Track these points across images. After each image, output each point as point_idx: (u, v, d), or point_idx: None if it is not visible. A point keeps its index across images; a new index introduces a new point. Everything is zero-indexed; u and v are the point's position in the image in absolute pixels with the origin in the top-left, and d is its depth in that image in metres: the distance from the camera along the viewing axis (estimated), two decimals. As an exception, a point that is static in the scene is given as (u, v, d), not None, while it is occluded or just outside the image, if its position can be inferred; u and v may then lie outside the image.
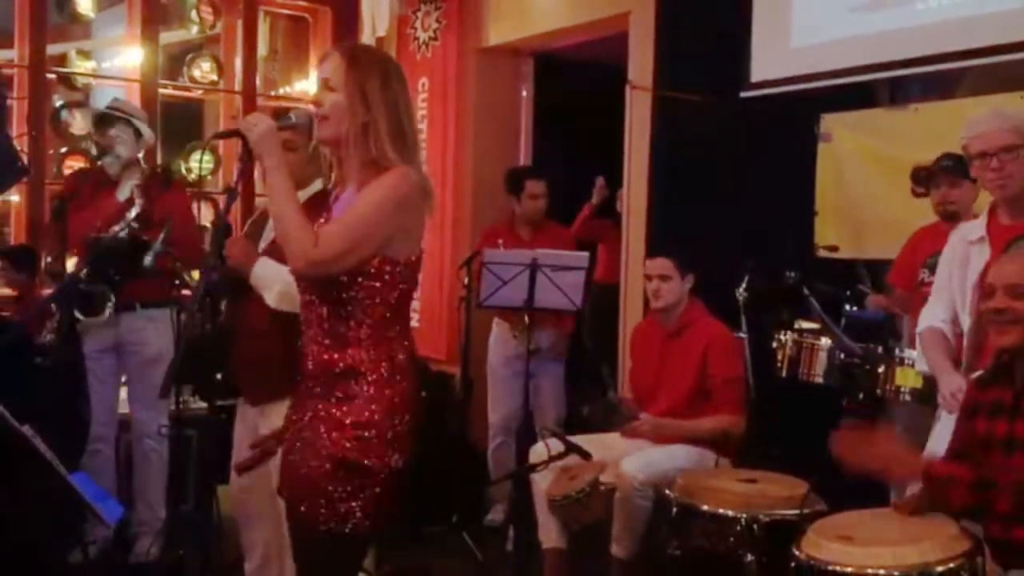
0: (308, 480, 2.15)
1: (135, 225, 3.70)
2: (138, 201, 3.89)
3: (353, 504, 2.12)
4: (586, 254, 4.52)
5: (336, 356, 2.17)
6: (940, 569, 2.15)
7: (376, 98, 2.17)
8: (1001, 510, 2.23)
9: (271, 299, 2.92)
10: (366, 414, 2.13)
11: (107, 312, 3.92)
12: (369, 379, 2.15)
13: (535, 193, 5.03)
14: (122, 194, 4.16)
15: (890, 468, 2.28)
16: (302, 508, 2.16)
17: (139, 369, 4.14)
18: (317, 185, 3.10)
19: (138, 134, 4.23)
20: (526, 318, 4.38)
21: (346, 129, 2.18)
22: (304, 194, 3.08)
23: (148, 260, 3.60)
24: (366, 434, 2.13)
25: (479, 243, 5.04)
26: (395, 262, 2.17)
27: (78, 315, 3.90)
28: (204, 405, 4.64)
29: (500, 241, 4.91)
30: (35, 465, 2.31)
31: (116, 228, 3.90)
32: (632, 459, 3.56)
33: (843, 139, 4.71)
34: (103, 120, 4.22)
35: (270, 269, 2.91)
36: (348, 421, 2.13)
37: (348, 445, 2.12)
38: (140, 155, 4.31)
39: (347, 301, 2.16)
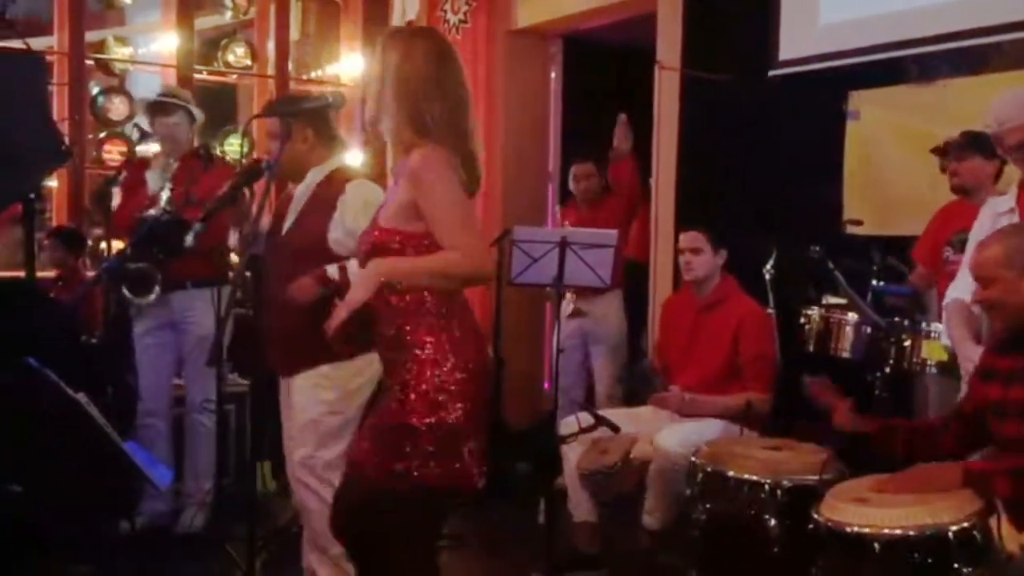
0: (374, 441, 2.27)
1: (169, 209, 3.79)
2: (168, 185, 3.97)
3: (416, 463, 2.20)
4: (614, 232, 4.57)
5: (397, 324, 2.26)
6: (954, 529, 2.20)
7: (411, 87, 2.27)
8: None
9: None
10: (427, 375, 2.22)
11: (154, 292, 4.02)
12: (429, 343, 2.24)
13: (577, 175, 5.29)
14: (152, 180, 4.25)
15: (930, 486, 2.34)
16: (370, 469, 2.25)
17: (192, 346, 4.25)
18: (330, 166, 3.19)
19: (192, 120, 4.33)
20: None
21: (376, 111, 2.30)
22: (320, 172, 3.18)
23: (189, 239, 3.68)
24: (429, 396, 2.22)
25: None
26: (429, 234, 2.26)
27: (127, 295, 4.01)
28: (243, 382, 4.82)
29: (566, 222, 5.18)
30: (90, 431, 2.43)
31: (154, 212, 4.00)
32: (668, 433, 3.61)
33: (871, 116, 4.72)
34: (162, 108, 4.29)
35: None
36: (411, 383, 2.23)
37: (409, 408, 2.21)
38: (193, 139, 4.41)
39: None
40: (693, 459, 3.12)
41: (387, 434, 2.25)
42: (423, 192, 2.23)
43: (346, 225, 3.09)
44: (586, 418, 3.64)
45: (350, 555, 2.52)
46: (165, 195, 4.02)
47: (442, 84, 2.31)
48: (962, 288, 3.15)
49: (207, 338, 4.21)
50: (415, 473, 2.20)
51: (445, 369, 2.22)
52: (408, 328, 2.25)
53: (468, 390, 2.25)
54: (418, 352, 2.23)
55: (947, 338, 3.21)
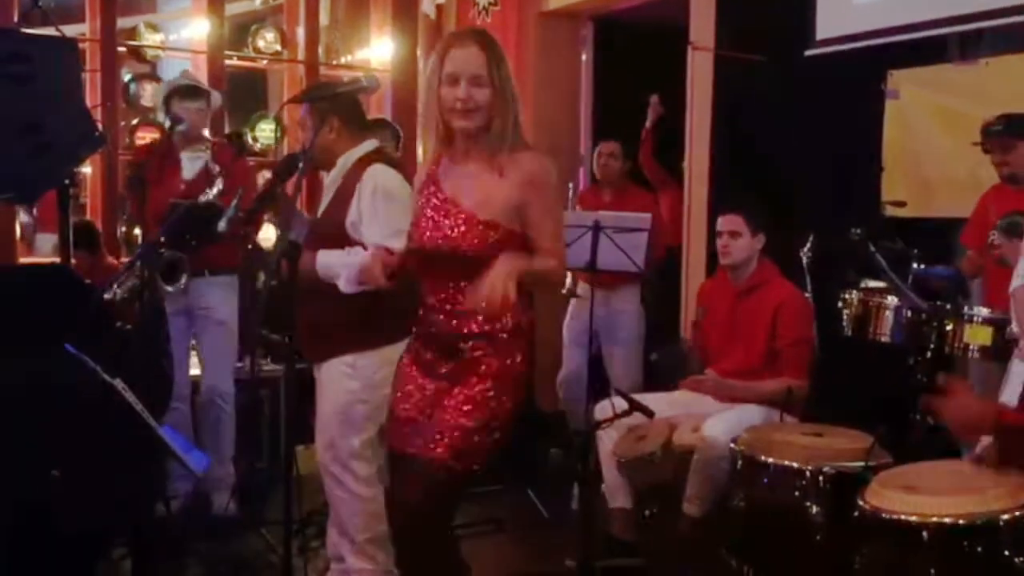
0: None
1: (236, 201, 3.79)
2: (219, 174, 3.95)
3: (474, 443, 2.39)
4: (648, 215, 4.53)
5: (468, 317, 2.40)
6: (1006, 518, 2.15)
7: (514, 89, 2.41)
8: None
9: (343, 287, 3.02)
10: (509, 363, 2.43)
11: (183, 279, 4.04)
12: (496, 336, 2.41)
13: (603, 152, 5.23)
14: (187, 169, 4.25)
15: (962, 418, 2.28)
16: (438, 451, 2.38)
17: (208, 332, 4.29)
18: (358, 152, 3.18)
19: (209, 106, 4.34)
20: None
21: (490, 119, 2.39)
22: (349, 159, 3.16)
23: (223, 225, 3.68)
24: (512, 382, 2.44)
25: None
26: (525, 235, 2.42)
27: (162, 284, 4.03)
28: (276, 367, 4.84)
29: (577, 206, 5.15)
30: (127, 416, 2.43)
31: (202, 201, 3.98)
32: (714, 423, 3.55)
33: (911, 96, 4.64)
34: (190, 92, 4.30)
35: (331, 259, 3.03)
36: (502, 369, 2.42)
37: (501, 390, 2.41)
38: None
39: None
40: (732, 446, 3.08)
41: (473, 419, 2.39)
42: (539, 196, 2.39)
43: (359, 210, 3.08)
44: (620, 403, 3.60)
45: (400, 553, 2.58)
46: (217, 188, 3.97)
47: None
48: None
49: (224, 324, 4.29)
50: (478, 460, 2.41)
51: (518, 360, 2.44)
52: (505, 320, 2.41)
53: (525, 381, 2.47)
54: (501, 347, 2.42)
55: (1015, 325, 3.12)
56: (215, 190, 3.84)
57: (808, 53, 4.67)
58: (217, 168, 3.95)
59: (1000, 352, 3.09)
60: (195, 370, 4.50)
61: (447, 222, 2.42)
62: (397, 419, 2.52)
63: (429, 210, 2.47)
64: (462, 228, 2.39)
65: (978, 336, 3.47)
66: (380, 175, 3.13)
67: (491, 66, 2.38)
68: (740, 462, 3.00)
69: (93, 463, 2.88)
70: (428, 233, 2.45)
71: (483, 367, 2.41)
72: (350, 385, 3.12)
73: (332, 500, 3.24)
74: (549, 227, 2.40)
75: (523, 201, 2.38)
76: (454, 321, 2.43)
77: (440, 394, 2.45)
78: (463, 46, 2.40)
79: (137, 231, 5.48)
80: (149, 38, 6.23)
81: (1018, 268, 3.12)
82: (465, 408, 2.39)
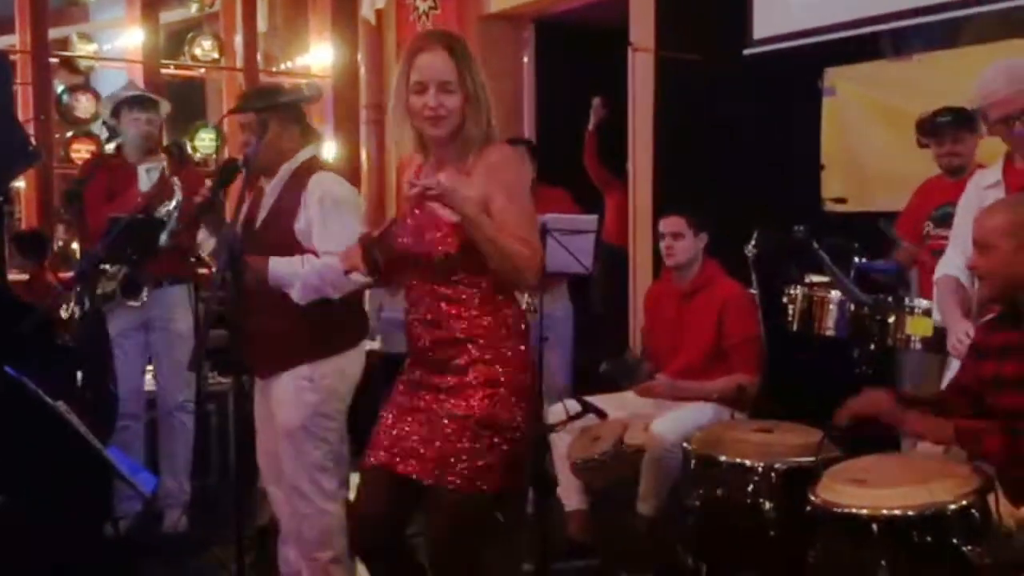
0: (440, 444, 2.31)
1: (175, 213, 3.70)
2: (177, 188, 3.86)
3: (482, 461, 2.28)
4: (595, 217, 4.55)
5: (452, 326, 2.33)
6: (953, 507, 2.20)
7: (486, 92, 2.34)
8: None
9: (296, 296, 2.98)
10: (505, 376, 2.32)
11: (144, 293, 3.96)
12: (485, 343, 2.32)
13: None
14: (143, 181, 4.16)
15: (923, 434, 2.34)
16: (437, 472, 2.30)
17: (166, 345, 4.19)
18: (298, 160, 3.13)
19: (159, 115, 4.26)
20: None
21: (462, 123, 2.33)
22: (290, 166, 3.12)
23: (164, 238, 3.63)
24: (512, 397, 2.32)
25: None
26: None
27: (119, 296, 3.95)
28: (223, 381, 4.77)
29: None
30: (70, 440, 2.37)
31: (159, 214, 3.88)
32: (662, 421, 3.59)
33: (847, 93, 4.72)
34: (139, 103, 4.20)
35: (282, 267, 2.98)
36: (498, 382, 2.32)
37: (498, 403, 2.29)
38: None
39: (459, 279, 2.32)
40: (685, 445, 3.10)
41: (464, 432, 2.29)
42: (504, 187, 2.30)
43: (307, 218, 3.04)
44: (573, 405, 3.60)
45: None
46: (176, 199, 3.86)
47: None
48: (951, 263, 3.15)
49: (183, 335, 4.18)
50: (492, 475, 2.29)
51: (518, 370, 2.34)
52: (486, 327, 2.32)
53: (530, 391, 2.38)
54: (496, 351, 2.32)
55: (937, 313, 3.20)
56: (174, 202, 3.75)
57: (746, 52, 4.72)
58: (175, 179, 3.86)
59: (941, 343, 3.15)
60: (150, 386, 4.42)
61: (425, 230, 2.35)
62: (392, 438, 2.41)
63: (410, 219, 2.42)
64: (437, 234, 2.32)
65: (919, 327, 3.54)
66: (327, 182, 3.09)
67: (460, 70, 2.32)
68: (694, 461, 3.02)
69: (37, 488, 2.81)
70: (406, 240, 2.40)
71: (472, 377, 2.31)
72: (309, 398, 3.06)
73: (293, 518, 3.15)
74: (513, 216, 2.28)
75: (487, 194, 2.29)
76: (437, 331, 2.35)
77: (431, 411, 2.36)
78: (430, 50, 2.33)
79: (75, 246, 5.39)
80: (82, 48, 6.13)
81: (943, 258, 3.21)
82: (456, 424, 2.30)
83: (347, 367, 3.14)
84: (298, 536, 3.15)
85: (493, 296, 2.33)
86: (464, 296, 2.32)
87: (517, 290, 2.50)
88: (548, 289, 4.83)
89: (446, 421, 2.31)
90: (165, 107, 4.29)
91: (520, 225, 2.29)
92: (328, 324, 3.04)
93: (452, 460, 2.28)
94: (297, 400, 3.06)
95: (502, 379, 2.31)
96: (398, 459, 2.37)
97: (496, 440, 2.29)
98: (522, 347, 2.37)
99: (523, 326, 2.40)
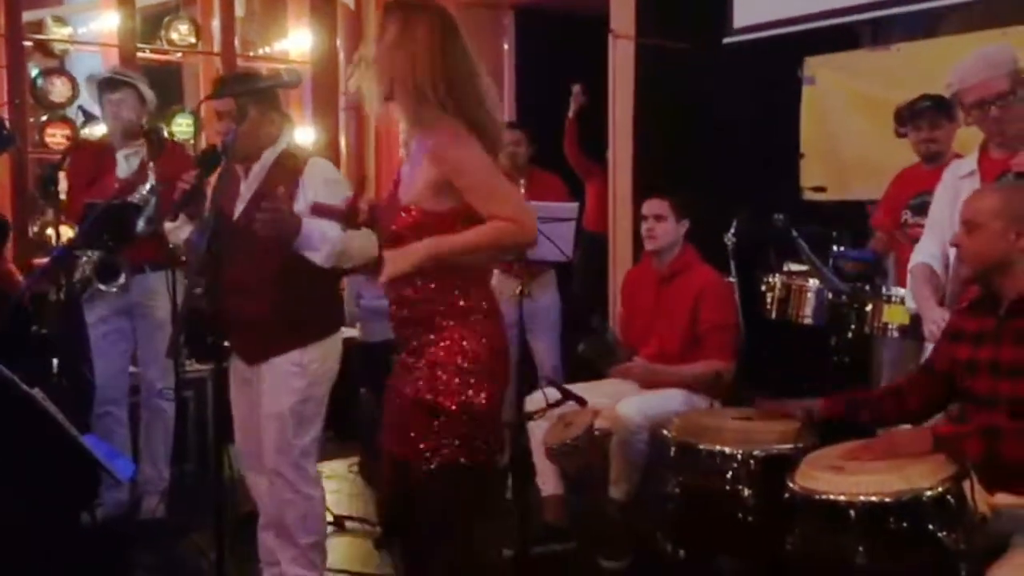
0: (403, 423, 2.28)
1: (150, 197, 3.65)
2: (151, 172, 3.81)
3: (445, 441, 2.23)
4: (575, 205, 4.55)
5: (427, 305, 2.26)
6: (929, 494, 2.22)
7: (418, 54, 2.23)
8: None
9: (320, 259, 2.94)
10: (458, 356, 2.25)
11: (121, 278, 3.92)
12: (450, 322, 2.25)
13: (508, 141, 5.08)
14: (121, 168, 4.11)
15: (901, 452, 2.36)
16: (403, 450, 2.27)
17: (149, 331, 4.15)
18: (280, 146, 3.12)
19: (141, 99, 4.19)
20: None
21: (387, 88, 2.25)
22: (273, 151, 3.10)
23: (141, 225, 3.59)
24: (460, 376, 2.24)
25: None
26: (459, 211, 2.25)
27: (96, 282, 3.91)
28: (201, 367, 4.74)
29: None
30: (46, 427, 2.35)
31: (133, 199, 3.84)
32: (628, 403, 3.63)
33: (827, 82, 4.75)
34: (109, 84, 4.14)
35: (316, 230, 2.90)
36: (442, 363, 2.25)
37: (441, 387, 2.23)
38: (144, 121, 4.25)
39: None
40: (664, 432, 3.12)
41: (415, 413, 2.25)
42: (453, 169, 2.21)
43: (308, 201, 3.02)
44: (552, 393, 3.61)
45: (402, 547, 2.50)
46: (149, 184, 3.82)
47: (447, 56, 2.26)
48: (926, 251, 3.18)
49: (163, 322, 4.15)
50: (444, 451, 2.22)
51: (474, 350, 2.24)
52: (441, 309, 2.25)
53: (495, 370, 2.28)
54: (449, 332, 2.25)
55: (911, 301, 3.23)
56: (148, 186, 3.71)
57: (726, 41, 4.73)
58: (150, 165, 3.81)
59: (918, 330, 3.18)
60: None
61: (395, 210, 2.33)
62: (387, 417, 2.41)
63: (389, 199, 2.43)
64: (413, 216, 2.27)
65: (896, 316, 3.58)
66: (324, 164, 3.13)
67: (389, 37, 2.25)
68: (673, 448, 3.03)
69: (12, 476, 2.78)
70: (385, 219, 2.39)
71: (424, 360, 2.26)
72: (298, 383, 3.07)
73: (276, 504, 3.15)
74: (480, 189, 2.20)
75: (437, 177, 2.23)
76: (400, 311, 2.33)
77: (395, 388, 2.36)
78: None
79: (50, 231, 5.31)
80: (57, 32, 6.03)
81: (918, 246, 3.24)
82: (407, 404, 2.28)
83: (330, 352, 3.15)
84: (279, 522, 3.15)
85: (453, 279, 2.27)
86: (421, 279, 2.26)
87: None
88: (535, 277, 4.85)
89: (398, 401, 2.32)
90: (147, 91, 4.22)
91: (487, 199, 2.21)
92: (311, 309, 3.05)
93: (412, 436, 2.26)
94: (286, 385, 3.06)
95: (457, 361, 2.23)
96: (388, 437, 2.38)
97: (442, 420, 2.23)
98: (487, 330, 2.29)
99: (488, 308, 2.32)
